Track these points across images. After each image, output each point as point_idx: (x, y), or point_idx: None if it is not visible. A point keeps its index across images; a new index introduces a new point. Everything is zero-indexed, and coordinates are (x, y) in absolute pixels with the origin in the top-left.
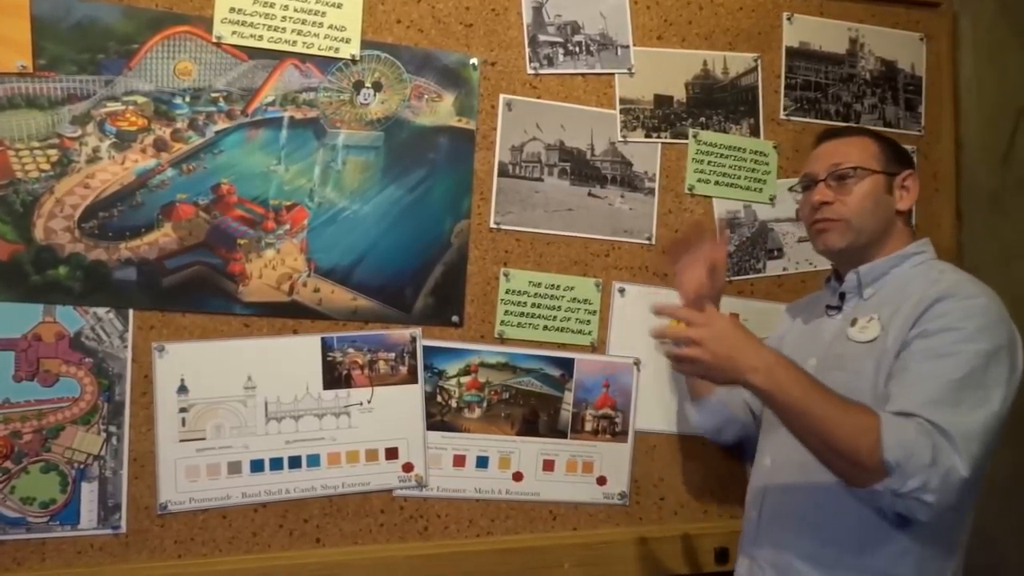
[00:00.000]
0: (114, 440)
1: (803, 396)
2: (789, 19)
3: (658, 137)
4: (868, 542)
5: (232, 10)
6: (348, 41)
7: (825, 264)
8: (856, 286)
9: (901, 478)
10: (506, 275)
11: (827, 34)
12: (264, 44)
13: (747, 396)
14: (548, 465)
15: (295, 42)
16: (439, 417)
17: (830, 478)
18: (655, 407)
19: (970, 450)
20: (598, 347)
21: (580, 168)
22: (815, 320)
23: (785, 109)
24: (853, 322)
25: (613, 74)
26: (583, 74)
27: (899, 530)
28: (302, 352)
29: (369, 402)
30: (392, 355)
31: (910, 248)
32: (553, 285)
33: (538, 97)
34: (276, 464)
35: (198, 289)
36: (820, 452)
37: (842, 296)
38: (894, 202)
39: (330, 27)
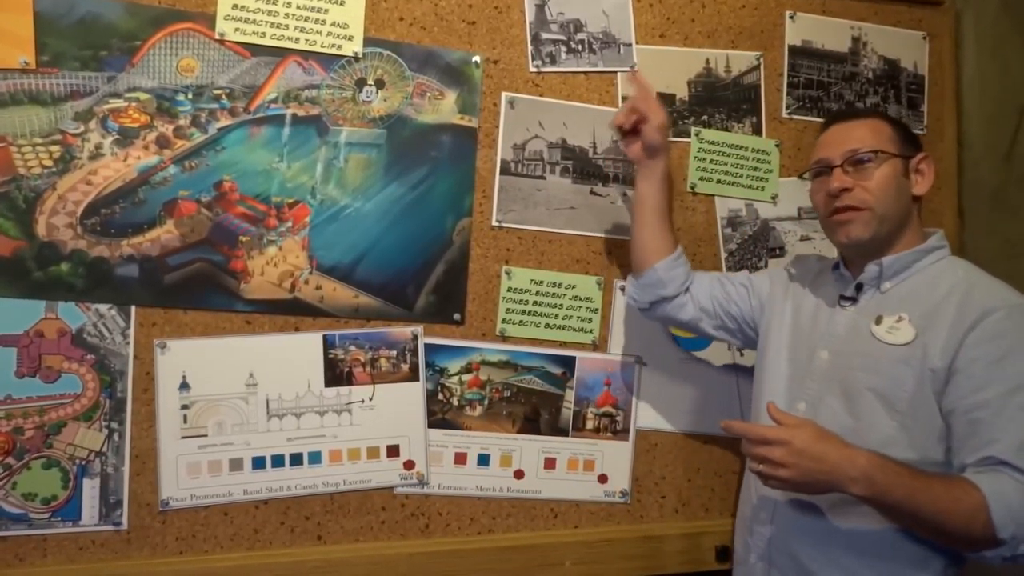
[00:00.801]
0: (116, 437)
1: (908, 496)
2: (791, 17)
3: None
4: (891, 547)
5: (235, 7)
6: (351, 38)
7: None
8: (876, 277)
9: (1013, 547)
10: (508, 273)
11: (829, 32)
12: (267, 41)
13: (717, 295)
14: (549, 463)
15: (298, 39)
16: (440, 415)
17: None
18: (656, 405)
19: None
20: (599, 345)
21: (582, 166)
22: (823, 307)
23: (787, 107)
24: (878, 320)
25: (616, 72)
26: (585, 72)
27: (924, 544)
28: (304, 349)
29: (371, 400)
30: (394, 353)
31: (931, 242)
32: (555, 283)
33: (540, 95)
34: (278, 461)
35: (200, 286)
36: (930, 535)
37: (858, 287)
38: (911, 187)
39: (333, 24)
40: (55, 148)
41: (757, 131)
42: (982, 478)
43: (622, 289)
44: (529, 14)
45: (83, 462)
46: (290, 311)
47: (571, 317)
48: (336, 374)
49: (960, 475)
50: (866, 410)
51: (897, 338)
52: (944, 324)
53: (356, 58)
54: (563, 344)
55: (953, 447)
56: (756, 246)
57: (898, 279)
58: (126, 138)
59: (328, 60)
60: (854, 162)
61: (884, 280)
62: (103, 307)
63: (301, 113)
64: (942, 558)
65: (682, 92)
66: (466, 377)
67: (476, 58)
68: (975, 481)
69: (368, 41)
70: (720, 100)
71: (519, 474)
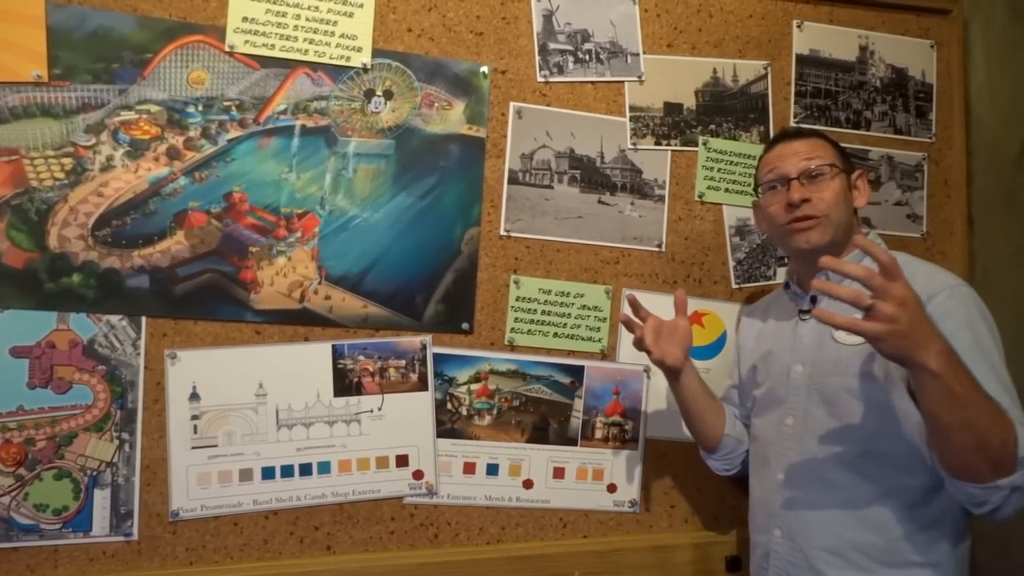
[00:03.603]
0: (126, 447)
1: (972, 387)
2: (799, 26)
3: (668, 144)
4: (901, 539)
5: (245, 19)
6: (359, 50)
7: None
8: None
9: (1015, 477)
10: (516, 282)
11: (837, 41)
12: (276, 53)
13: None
14: (558, 472)
15: (307, 51)
16: (449, 424)
17: (856, 491)
18: (665, 414)
19: None
20: (608, 354)
21: (590, 175)
22: (786, 325)
23: (795, 116)
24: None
25: (623, 82)
26: (593, 82)
27: (931, 524)
28: (313, 359)
29: (380, 409)
30: (402, 362)
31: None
32: (563, 292)
33: (548, 105)
34: (287, 471)
35: (210, 296)
36: (966, 445)
37: (813, 299)
38: (851, 200)
39: (341, 36)
40: (67, 160)
41: (765, 140)
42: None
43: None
44: (537, 24)
45: (94, 473)
46: (299, 321)
47: (579, 326)
48: (345, 384)
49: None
50: (846, 411)
51: (855, 338)
52: None
53: (365, 69)
54: (572, 353)
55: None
56: (764, 255)
57: (846, 283)
58: (137, 150)
59: (337, 71)
60: (810, 176)
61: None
62: (114, 318)
63: (310, 124)
64: (949, 540)
65: (689, 101)
66: (475, 386)
67: (484, 68)
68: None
69: (377, 52)
70: (728, 109)
71: (528, 484)
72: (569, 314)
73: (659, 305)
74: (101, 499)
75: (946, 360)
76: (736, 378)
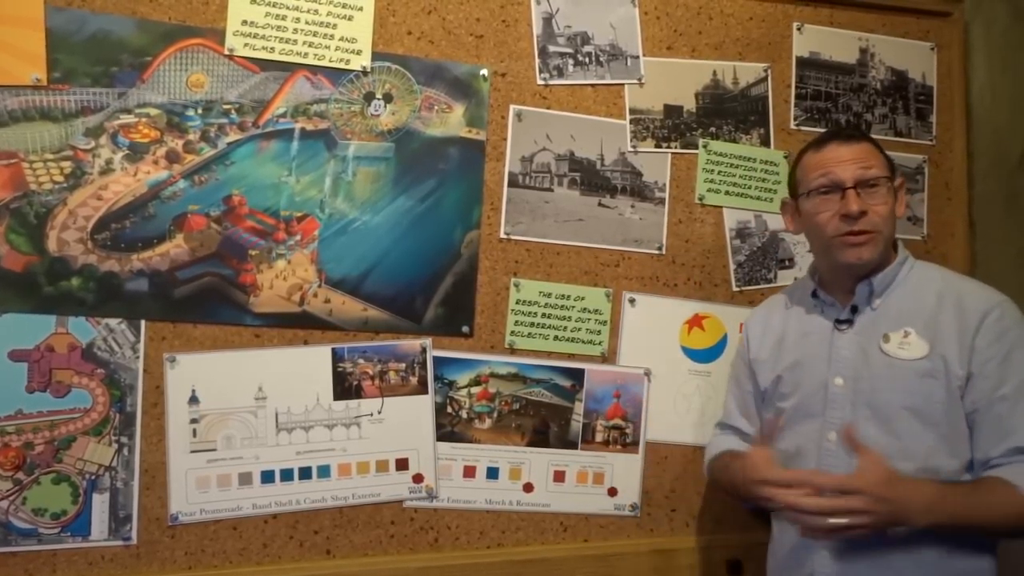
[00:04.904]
0: (125, 451)
1: (966, 515)
2: (799, 29)
3: (668, 147)
4: (940, 562)
5: (244, 23)
6: (359, 53)
7: None
8: (867, 297)
9: None
10: (516, 285)
11: (837, 44)
12: (276, 56)
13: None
14: (559, 476)
15: (306, 54)
16: (449, 428)
17: None
18: (666, 418)
19: None
20: (608, 357)
21: (590, 178)
22: (817, 335)
23: (795, 119)
24: (885, 338)
25: (623, 84)
26: (593, 84)
27: (966, 547)
28: (313, 363)
29: (379, 413)
30: (402, 365)
31: (902, 253)
32: (563, 295)
33: (548, 107)
34: (287, 475)
35: (209, 300)
36: (990, 536)
37: (854, 309)
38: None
39: (341, 39)
40: (66, 164)
41: (765, 142)
42: (1011, 471)
43: (631, 301)
44: (536, 27)
45: (93, 477)
46: (299, 324)
47: (580, 329)
48: (345, 387)
49: (994, 476)
50: (904, 428)
51: (912, 352)
52: (951, 333)
53: (364, 72)
54: (572, 356)
55: (977, 443)
56: (765, 258)
57: (885, 294)
58: (136, 153)
59: (337, 74)
60: (866, 185)
61: (875, 298)
62: (113, 321)
63: (310, 127)
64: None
65: (690, 104)
66: (475, 390)
67: (484, 71)
68: (1008, 478)
69: (376, 55)
70: (728, 112)
71: (528, 487)
72: (569, 317)
73: (659, 308)
74: (100, 503)
75: (931, 515)
76: (750, 387)
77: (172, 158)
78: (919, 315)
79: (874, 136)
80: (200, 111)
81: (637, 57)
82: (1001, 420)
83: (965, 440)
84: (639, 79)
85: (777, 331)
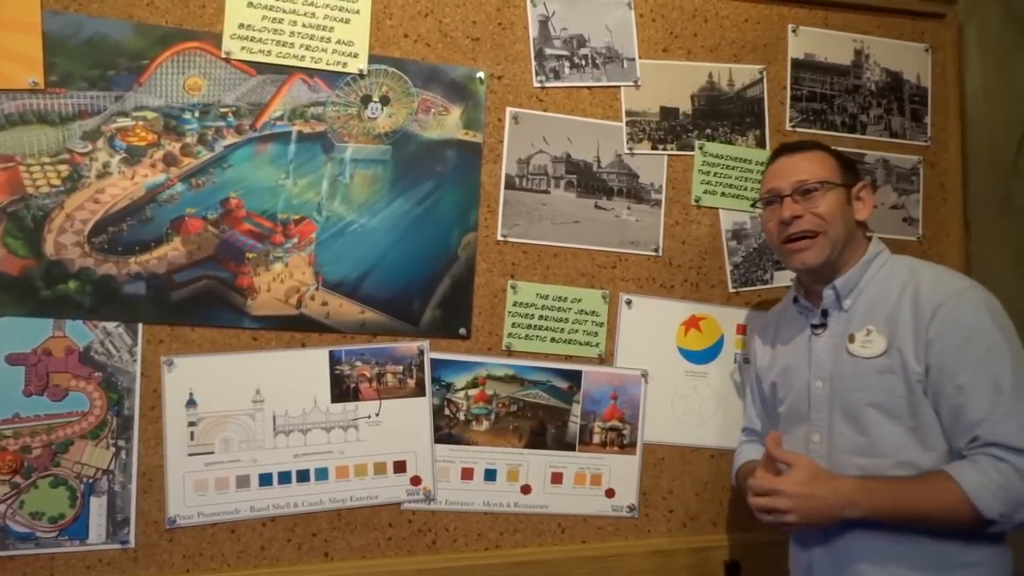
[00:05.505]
0: (123, 454)
1: (893, 506)
2: (794, 31)
3: (664, 149)
4: (940, 545)
5: (241, 26)
6: (356, 55)
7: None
8: (835, 300)
9: (1011, 521)
10: (513, 287)
11: (832, 45)
12: (273, 59)
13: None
14: (556, 477)
15: (303, 57)
16: (447, 430)
17: None
18: (663, 419)
19: None
20: (606, 359)
21: (587, 180)
22: (799, 340)
23: (791, 120)
24: (851, 338)
25: (619, 86)
26: (589, 87)
27: (976, 538)
28: (310, 365)
29: (377, 415)
30: (400, 368)
31: (871, 251)
32: (560, 297)
33: (544, 110)
34: (284, 478)
35: (207, 303)
36: (934, 528)
37: (824, 313)
38: (853, 213)
39: (338, 42)
40: (63, 167)
41: (761, 144)
42: (963, 467)
43: (627, 303)
44: (533, 30)
45: (90, 480)
46: (296, 327)
47: (577, 331)
48: (342, 390)
49: (940, 469)
50: (873, 426)
51: (872, 350)
52: (907, 327)
53: (361, 75)
54: (569, 358)
55: (947, 435)
56: (761, 259)
57: (854, 295)
58: (133, 156)
59: (333, 77)
60: (803, 192)
61: (843, 299)
62: (110, 325)
63: (307, 130)
64: (993, 546)
65: (685, 106)
66: (472, 392)
67: (480, 74)
68: (954, 473)
69: (373, 58)
70: (724, 113)
71: (526, 489)
72: (566, 319)
73: (656, 309)
74: (97, 507)
75: (855, 508)
76: (758, 398)
77: (169, 161)
78: (882, 312)
79: (869, 137)
80: (197, 114)
81: (633, 59)
82: (961, 411)
83: (937, 432)
84: (635, 81)
85: (771, 339)
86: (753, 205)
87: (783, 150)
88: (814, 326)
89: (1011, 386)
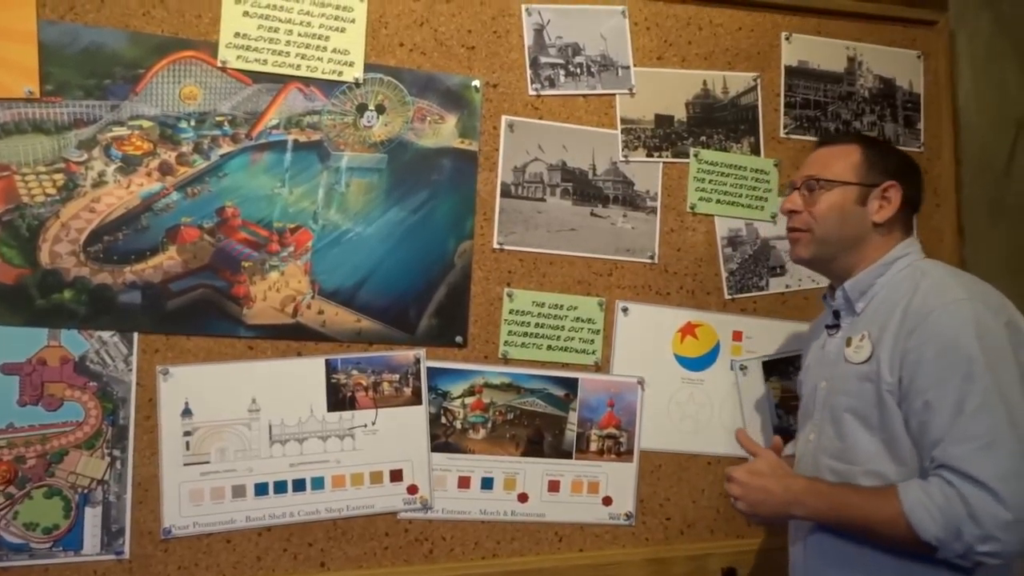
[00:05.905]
0: (118, 464)
1: (835, 512)
2: (787, 38)
3: (659, 156)
4: (908, 559)
5: (237, 35)
6: (351, 64)
7: (825, 280)
8: (845, 302)
9: (950, 548)
10: (509, 295)
11: (825, 53)
12: (268, 68)
13: None
14: (553, 486)
15: (299, 66)
16: (443, 438)
17: None
18: (660, 426)
19: (1009, 488)
20: (602, 366)
21: (582, 188)
22: (822, 340)
23: (785, 127)
24: (848, 342)
25: (614, 94)
26: (584, 95)
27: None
28: (306, 374)
29: (373, 424)
30: (396, 376)
31: (892, 253)
32: (556, 305)
33: (540, 118)
34: (280, 487)
35: (203, 312)
36: (881, 543)
37: (837, 314)
38: (868, 213)
39: (334, 51)
40: (58, 176)
41: (755, 151)
42: (912, 485)
43: (624, 310)
44: (528, 38)
45: (85, 490)
46: (292, 336)
47: (573, 339)
48: (339, 399)
49: (891, 486)
50: (849, 431)
51: (859, 356)
52: (890, 335)
53: (357, 84)
54: (565, 366)
55: (916, 450)
56: (757, 265)
57: (866, 298)
58: (129, 165)
59: (329, 86)
60: (808, 187)
61: (855, 302)
62: (105, 334)
63: (303, 139)
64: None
65: (680, 113)
66: (469, 400)
67: (476, 82)
68: (901, 489)
69: (369, 67)
70: (718, 121)
71: (523, 497)
72: (563, 327)
73: (652, 316)
74: (92, 517)
75: (800, 507)
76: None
77: (165, 170)
78: (881, 318)
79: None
80: (193, 123)
81: (628, 67)
82: (924, 428)
83: (910, 446)
84: (630, 89)
85: (808, 337)
86: (781, 194)
87: (821, 140)
88: (828, 327)
89: (975, 407)
